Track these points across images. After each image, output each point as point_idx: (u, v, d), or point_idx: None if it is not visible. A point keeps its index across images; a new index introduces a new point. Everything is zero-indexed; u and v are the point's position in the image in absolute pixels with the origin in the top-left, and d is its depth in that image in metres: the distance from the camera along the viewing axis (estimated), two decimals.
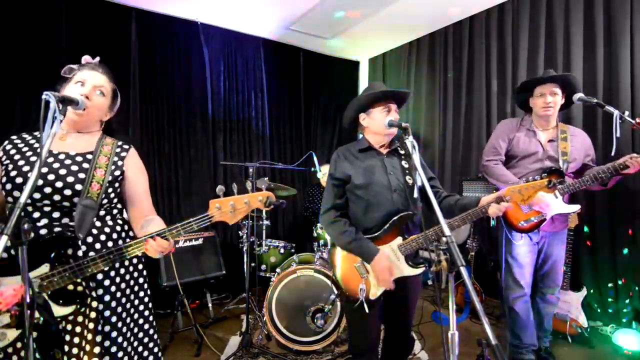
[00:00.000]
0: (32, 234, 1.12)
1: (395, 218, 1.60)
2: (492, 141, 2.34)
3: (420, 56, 4.36)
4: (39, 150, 0.96)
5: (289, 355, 2.54)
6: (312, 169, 3.31)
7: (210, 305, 3.31)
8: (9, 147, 1.26)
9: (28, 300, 0.88)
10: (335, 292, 2.44)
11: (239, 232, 3.24)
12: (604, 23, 2.84)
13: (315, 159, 3.17)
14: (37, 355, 1.13)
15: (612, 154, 1.98)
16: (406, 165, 1.71)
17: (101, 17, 3.29)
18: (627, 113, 1.91)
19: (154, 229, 1.18)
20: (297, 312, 2.51)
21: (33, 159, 1.22)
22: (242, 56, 4.17)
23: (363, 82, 5.23)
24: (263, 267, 3.21)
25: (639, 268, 2.68)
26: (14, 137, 1.29)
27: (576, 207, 2.11)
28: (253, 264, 3.09)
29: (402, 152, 1.76)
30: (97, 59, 1.36)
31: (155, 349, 1.41)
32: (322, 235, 3.05)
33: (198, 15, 3.76)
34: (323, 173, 3.44)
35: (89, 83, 1.27)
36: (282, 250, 3.24)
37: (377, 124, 1.69)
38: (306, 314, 2.49)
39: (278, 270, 2.89)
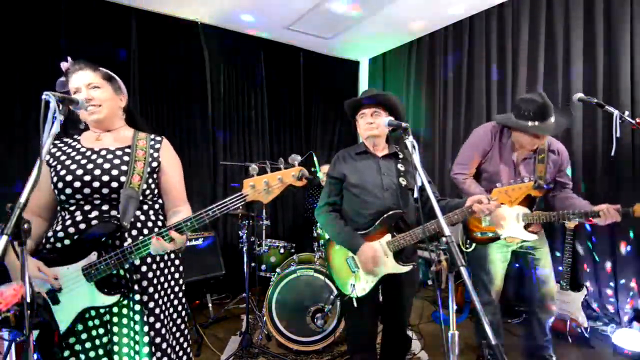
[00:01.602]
0: (85, 225, 1.21)
1: (385, 216, 1.68)
2: (467, 152, 2.14)
3: (420, 56, 4.36)
4: (41, 151, 0.98)
5: (289, 355, 2.54)
6: (312, 169, 3.31)
7: (210, 305, 3.31)
8: (53, 149, 1.32)
9: (28, 300, 0.88)
10: (335, 291, 2.44)
11: (239, 232, 3.23)
12: (604, 23, 2.84)
13: (315, 159, 3.16)
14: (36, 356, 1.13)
15: (612, 153, 1.98)
16: (402, 168, 1.78)
17: (101, 17, 3.29)
18: (627, 113, 1.90)
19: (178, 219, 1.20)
20: (297, 312, 2.51)
21: (77, 157, 1.27)
22: (242, 56, 4.17)
23: (363, 82, 5.23)
24: (263, 267, 3.20)
25: (639, 268, 2.68)
26: (56, 141, 1.34)
27: (533, 237, 2.02)
28: (253, 264, 3.09)
29: (401, 156, 1.83)
30: (69, 59, 1.34)
31: (186, 346, 1.42)
32: (322, 235, 3.05)
33: (198, 15, 3.76)
34: (323, 173, 3.43)
35: (81, 87, 1.28)
36: (282, 250, 3.24)
37: (360, 130, 1.82)
38: (306, 314, 2.49)
39: (278, 270, 2.89)
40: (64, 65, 1.33)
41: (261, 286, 3.19)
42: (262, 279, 3.15)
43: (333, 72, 4.92)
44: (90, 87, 1.29)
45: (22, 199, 0.89)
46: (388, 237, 1.68)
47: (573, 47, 3.00)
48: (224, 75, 4.04)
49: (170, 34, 3.67)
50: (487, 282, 2.13)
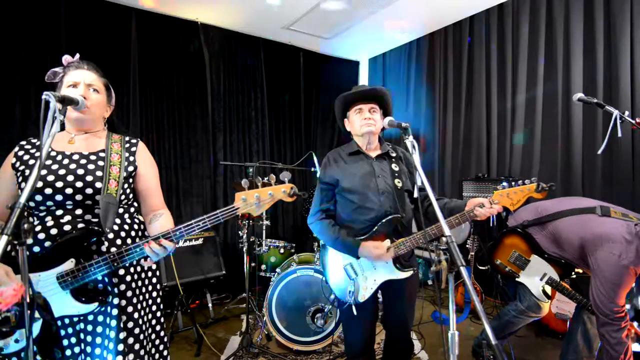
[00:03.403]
0: (56, 230, 1.16)
1: (383, 220, 1.60)
2: (616, 290, 1.73)
3: (420, 56, 4.36)
4: (41, 151, 0.96)
5: (289, 355, 2.54)
6: (313, 169, 3.31)
7: (210, 305, 3.31)
8: (20, 152, 1.26)
9: (28, 300, 0.88)
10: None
11: (239, 232, 3.23)
12: (604, 23, 2.84)
13: (315, 159, 3.16)
14: (38, 358, 1.13)
15: (599, 152, 1.94)
16: (396, 169, 1.71)
17: (101, 17, 3.29)
18: (627, 113, 1.90)
19: (164, 225, 1.18)
20: (297, 312, 2.51)
21: (48, 162, 1.23)
22: (242, 56, 4.17)
23: (363, 82, 5.23)
24: (263, 267, 3.21)
25: None
26: (23, 142, 1.28)
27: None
28: (253, 264, 3.09)
29: (394, 154, 1.76)
30: (77, 56, 1.33)
31: (165, 352, 1.39)
32: None
33: (198, 15, 3.76)
34: None
35: (81, 83, 1.26)
36: (282, 250, 3.24)
37: (354, 126, 1.74)
38: (306, 314, 2.49)
39: (278, 270, 2.89)
40: (67, 58, 1.31)
41: (261, 286, 3.20)
42: (262, 279, 3.15)
43: (333, 72, 4.91)
44: (90, 87, 1.27)
45: (22, 199, 0.89)
46: (387, 242, 1.60)
47: (573, 47, 3.01)
48: (224, 75, 4.04)
49: (170, 34, 3.67)
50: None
